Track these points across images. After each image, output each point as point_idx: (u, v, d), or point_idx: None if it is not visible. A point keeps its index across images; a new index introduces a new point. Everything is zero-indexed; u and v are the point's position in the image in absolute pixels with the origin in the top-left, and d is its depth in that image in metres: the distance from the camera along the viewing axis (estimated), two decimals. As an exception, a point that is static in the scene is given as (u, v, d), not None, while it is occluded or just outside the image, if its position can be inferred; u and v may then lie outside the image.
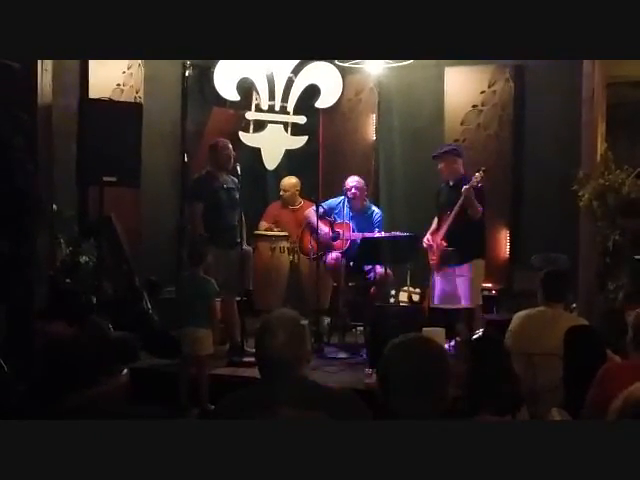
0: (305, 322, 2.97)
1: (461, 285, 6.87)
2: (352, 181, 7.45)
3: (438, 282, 7.04)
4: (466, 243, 6.80)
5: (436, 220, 7.13)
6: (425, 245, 7.04)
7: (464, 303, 6.81)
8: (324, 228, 7.30)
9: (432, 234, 7.05)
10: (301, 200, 8.04)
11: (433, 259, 6.99)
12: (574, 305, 6.37)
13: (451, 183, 7.01)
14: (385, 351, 2.52)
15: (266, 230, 7.90)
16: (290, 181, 8.04)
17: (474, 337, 3.46)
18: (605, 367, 3.80)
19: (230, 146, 6.97)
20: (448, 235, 6.85)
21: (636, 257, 6.30)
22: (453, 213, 6.78)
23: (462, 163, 7.05)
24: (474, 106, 8.18)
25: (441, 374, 2.48)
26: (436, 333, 5.44)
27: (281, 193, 8.04)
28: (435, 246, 6.95)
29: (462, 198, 6.67)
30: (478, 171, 6.81)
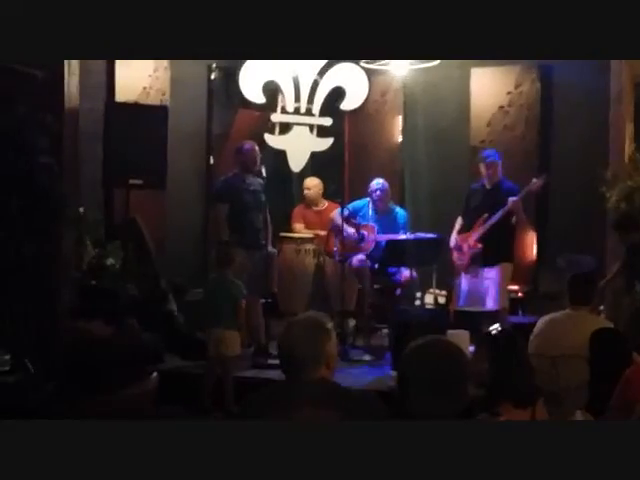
0: (331, 325, 3.00)
1: (489, 287, 6.90)
2: (376, 183, 7.45)
3: (464, 283, 7.05)
4: (499, 246, 6.89)
5: (460, 220, 7.14)
6: (452, 246, 7.06)
7: (490, 305, 6.83)
8: (349, 230, 7.32)
9: (460, 234, 7.06)
10: (325, 202, 8.07)
11: (462, 260, 7.00)
12: (601, 307, 6.34)
13: (488, 186, 7.03)
14: (404, 353, 2.55)
15: (300, 231, 7.95)
16: (313, 181, 8.08)
17: (491, 331, 3.49)
18: (629, 370, 3.79)
19: (257, 148, 7.02)
20: (484, 238, 6.86)
21: None
22: (496, 217, 6.81)
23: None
24: (500, 107, 8.16)
25: (460, 376, 2.49)
26: (460, 335, 5.45)
27: (305, 192, 8.08)
28: (466, 247, 6.96)
29: (509, 207, 6.73)
30: (537, 177, 6.85)
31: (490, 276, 6.91)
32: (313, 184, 8.05)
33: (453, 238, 7.09)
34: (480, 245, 6.89)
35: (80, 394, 4.01)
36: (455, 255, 7.10)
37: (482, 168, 7.07)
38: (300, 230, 8.00)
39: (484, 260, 6.91)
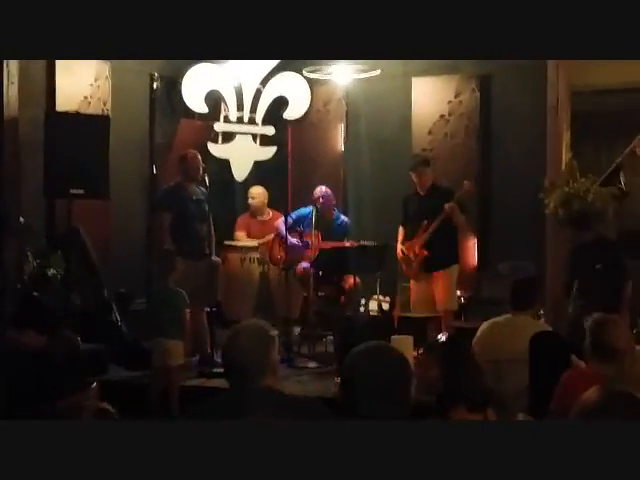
0: (274, 333, 3.00)
1: (439, 291, 6.98)
2: (319, 191, 7.48)
3: (415, 290, 7.10)
4: (445, 250, 6.98)
5: (402, 230, 7.19)
6: (399, 256, 7.10)
7: (442, 308, 6.92)
8: (293, 240, 7.32)
9: (404, 244, 7.10)
10: (270, 211, 8.05)
11: (411, 268, 7.04)
12: (542, 312, 6.43)
13: (422, 193, 7.09)
14: (346, 359, 2.56)
15: (243, 240, 7.92)
16: (257, 190, 8.05)
17: (439, 340, 3.56)
18: (566, 375, 3.85)
19: (199, 157, 6.99)
20: (429, 243, 6.92)
21: (597, 266, 6.37)
22: (436, 223, 6.88)
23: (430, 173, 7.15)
24: (441, 116, 8.25)
25: (402, 380, 2.51)
26: (404, 341, 5.48)
27: (249, 201, 8.05)
28: (412, 255, 7.00)
29: (446, 211, 6.80)
30: (468, 180, 7.00)
31: (439, 280, 6.98)
32: (257, 192, 8.02)
33: (399, 249, 7.13)
34: (426, 252, 6.94)
35: (16, 403, 3.94)
36: (403, 265, 7.14)
37: (413, 176, 7.13)
38: (242, 239, 7.96)
39: (432, 265, 6.96)
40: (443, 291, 6.98)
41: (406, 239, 7.13)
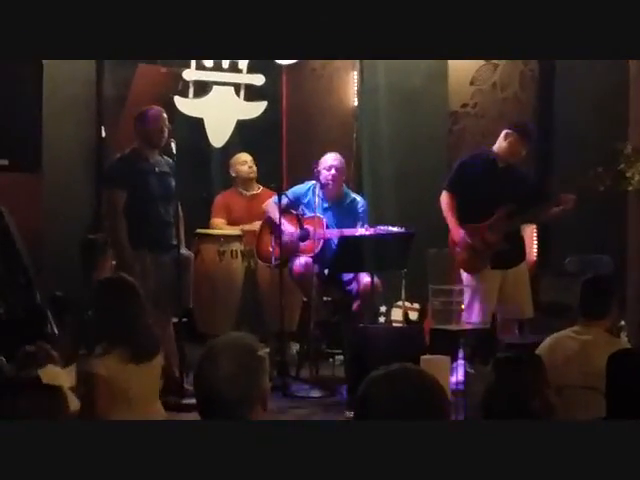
0: (265, 351, 3.02)
1: (517, 294, 6.97)
2: (331, 159, 7.41)
3: (479, 291, 6.93)
4: (518, 241, 7.10)
5: (448, 196, 6.94)
6: (457, 241, 6.88)
7: (516, 316, 7.01)
8: (288, 226, 7.33)
9: (468, 224, 6.90)
10: (259, 187, 8.09)
11: (480, 261, 6.88)
12: (622, 323, 6.45)
13: (501, 164, 6.96)
14: (362, 388, 2.56)
15: (220, 227, 7.96)
16: (244, 157, 8.12)
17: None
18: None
19: (164, 116, 7.00)
20: (508, 233, 6.89)
21: None
22: (544, 212, 6.97)
23: None
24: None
25: (436, 414, 2.52)
26: (439, 362, 5.50)
27: (232, 173, 8.09)
28: (479, 243, 6.82)
29: (565, 207, 6.82)
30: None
31: (515, 280, 6.97)
32: (244, 160, 8.08)
33: (457, 229, 6.90)
34: (506, 244, 6.82)
35: None
36: (464, 253, 6.92)
37: (508, 137, 6.90)
38: (219, 226, 7.98)
39: (506, 261, 6.91)
40: (522, 294, 6.98)
41: (467, 219, 6.92)
